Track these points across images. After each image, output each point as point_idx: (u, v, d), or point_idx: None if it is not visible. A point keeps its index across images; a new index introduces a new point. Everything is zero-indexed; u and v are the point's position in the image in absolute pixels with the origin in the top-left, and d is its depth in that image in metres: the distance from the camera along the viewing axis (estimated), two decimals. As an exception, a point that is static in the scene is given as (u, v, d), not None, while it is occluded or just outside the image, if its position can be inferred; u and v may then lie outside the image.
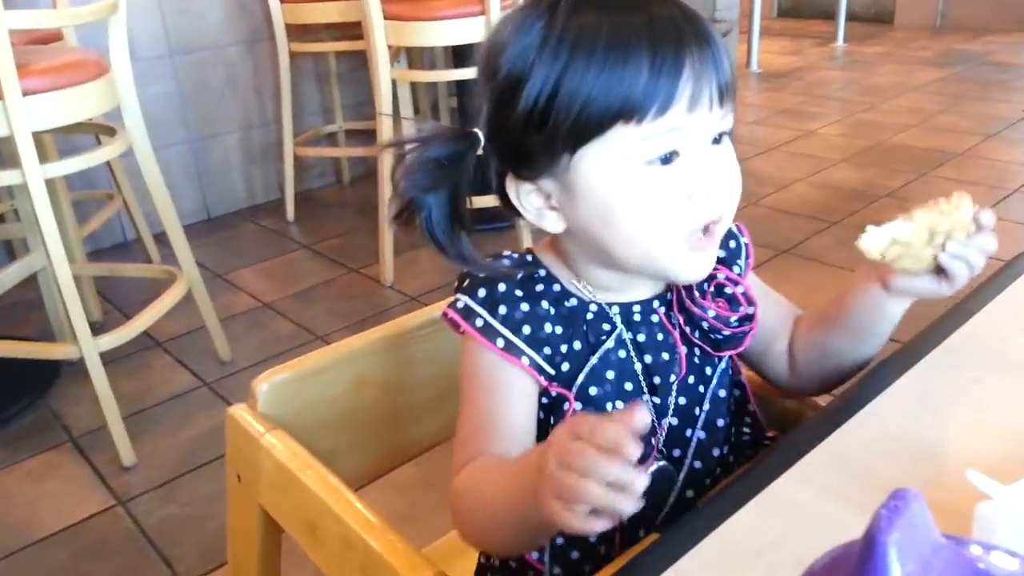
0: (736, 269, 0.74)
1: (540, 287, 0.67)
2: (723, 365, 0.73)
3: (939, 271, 0.63)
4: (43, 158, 1.61)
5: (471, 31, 2.14)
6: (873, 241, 0.61)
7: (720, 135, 0.61)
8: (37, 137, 1.94)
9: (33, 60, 1.58)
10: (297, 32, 2.68)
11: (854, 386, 0.65)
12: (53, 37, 2.08)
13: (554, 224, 0.64)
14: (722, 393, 0.73)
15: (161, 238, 1.95)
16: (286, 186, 2.81)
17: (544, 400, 0.67)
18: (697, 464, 0.70)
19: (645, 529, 0.68)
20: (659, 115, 0.57)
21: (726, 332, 0.70)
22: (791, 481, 0.54)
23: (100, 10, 1.66)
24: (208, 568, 1.42)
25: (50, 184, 2.03)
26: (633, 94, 0.56)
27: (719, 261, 0.71)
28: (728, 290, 0.71)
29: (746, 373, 0.77)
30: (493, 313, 0.64)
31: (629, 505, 0.44)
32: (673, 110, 0.57)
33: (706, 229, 0.61)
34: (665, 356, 0.69)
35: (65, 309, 1.64)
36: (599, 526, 0.45)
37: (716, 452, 0.71)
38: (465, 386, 0.67)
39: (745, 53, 4.69)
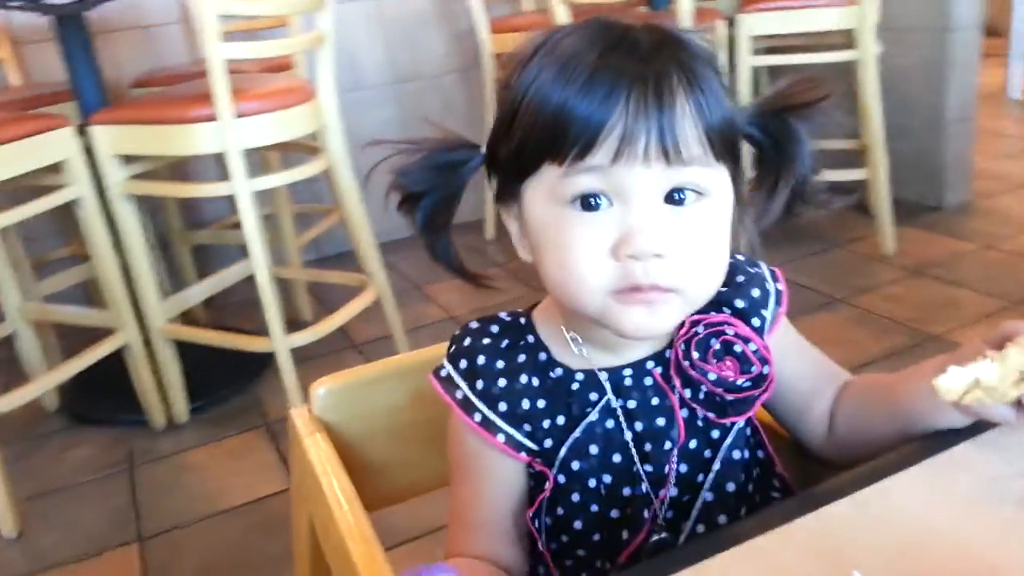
0: (756, 321, 0.67)
1: (523, 357, 0.65)
2: (739, 425, 0.67)
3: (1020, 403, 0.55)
4: (266, 173, 1.83)
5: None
6: (954, 381, 0.54)
7: (681, 194, 0.56)
8: (262, 154, 2.19)
9: (251, 86, 1.80)
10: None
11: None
12: (285, 66, 2.33)
13: (524, 253, 0.64)
14: (736, 455, 0.67)
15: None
16: (487, 206, 2.94)
17: (530, 472, 0.66)
18: (700, 528, 0.66)
19: None
20: (578, 158, 0.54)
21: (731, 397, 0.64)
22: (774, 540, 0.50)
23: (309, 42, 1.85)
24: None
25: (272, 195, 2.30)
26: (559, 133, 0.55)
27: (734, 313, 0.67)
28: (738, 348, 0.65)
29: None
30: (472, 387, 0.65)
31: None
32: (595, 154, 0.54)
33: (636, 289, 0.56)
34: (661, 421, 0.65)
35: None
36: None
37: (723, 518, 0.66)
38: (451, 458, 0.68)
39: (1002, 77, 4.22)
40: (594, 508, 0.65)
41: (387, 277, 2.10)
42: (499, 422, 0.63)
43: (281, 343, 1.82)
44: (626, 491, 0.65)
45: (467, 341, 0.67)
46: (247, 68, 2.20)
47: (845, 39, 2.41)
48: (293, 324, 2.16)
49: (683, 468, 0.65)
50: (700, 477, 0.65)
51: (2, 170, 1.64)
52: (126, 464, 1.86)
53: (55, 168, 1.77)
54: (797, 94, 0.63)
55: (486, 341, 0.66)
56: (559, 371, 0.65)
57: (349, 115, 2.33)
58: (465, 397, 0.65)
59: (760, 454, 0.69)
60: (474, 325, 0.68)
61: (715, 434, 0.66)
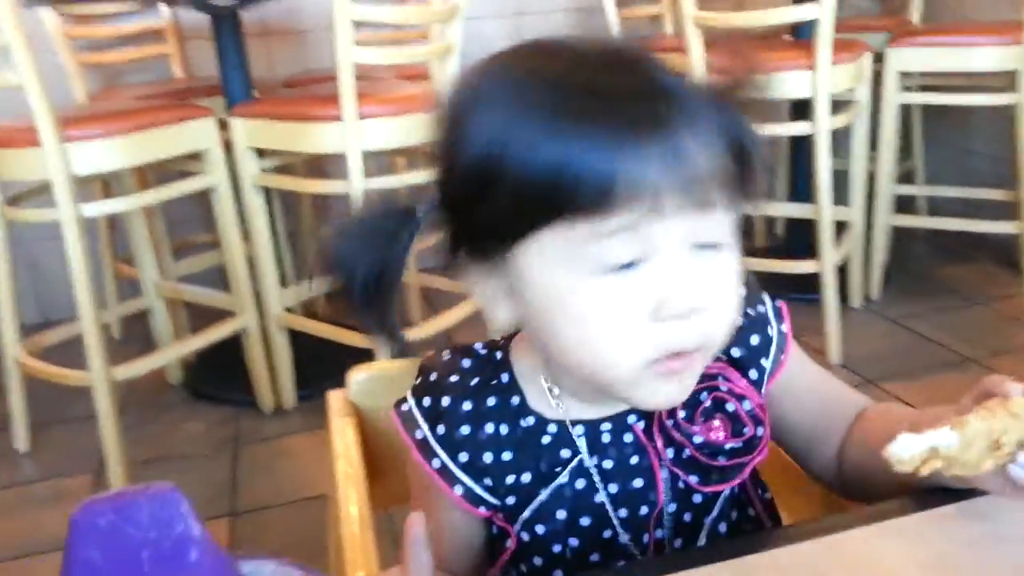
0: (754, 373, 0.61)
1: (493, 400, 0.59)
2: (725, 494, 0.61)
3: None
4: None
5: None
6: (906, 451, 0.48)
7: (706, 242, 0.50)
8: (390, 158, 2.27)
9: (379, 91, 1.87)
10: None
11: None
12: (423, 76, 2.40)
13: (501, 315, 0.56)
14: (723, 527, 0.61)
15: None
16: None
17: (493, 526, 0.62)
18: None
19: None
20: (621, 213, 0.47)
21: (718, 462, 0.58)
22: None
23: (436, 51, 1.91)
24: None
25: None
26: (586, 182, 0.47)
27: (730, 362, 0.61)
28: (730, 406, 0.59)
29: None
30: (432, 429, 0.59)
31: None
32: (619, 211, 0.47)
33: (677, 355, 0.51)
34: (638, 483, 0.59)
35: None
36: None
37: None
38: (411, 489, 0.64)
39: None
40: (558, 574, 0.60)
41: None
42: (458, 473, 0.58)
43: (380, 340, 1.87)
44: (594, 557, 0.60)
45: (433, 376, 0.61)
46: (385, 75, 2.29)
47: (1006, 81, 2.25)
48: (403, 326, 2.22)
49: (659, 534, 0.60)
50: (677, 543, 0.60)
51: (150, 152, 1.78)
52: (232, 442, 1.96)
53: (198, 157, 1.90)
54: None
55: (454, 379, 0.61)
56: (531, 420, 0.59)
57: (479, 127, 2.39)
58: (424, 439, 0.59)
59: (750, 512, 0.64)
60: (445, 356, 0.63)
61: (697, 499, 0.60)
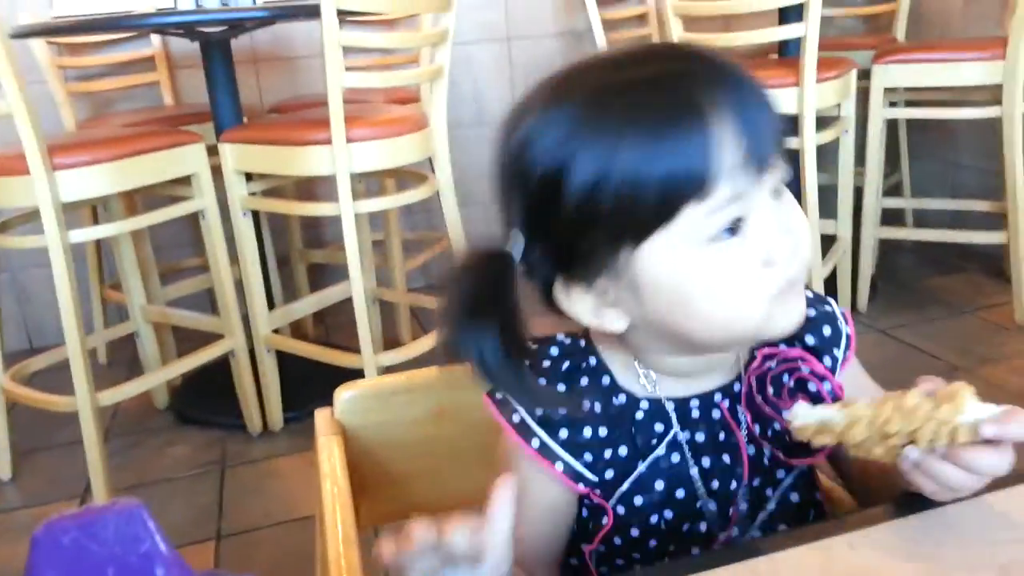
0: (828, 361, 0.65)
1: (586, 380, 0.62)
2: (800, 468, 0.64)
3: None
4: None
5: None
6: (799, 419, 0.53)
7: (778, 188, 0.56)
8: (380, 181, 2.27)
9: (367, 115, 1.87)
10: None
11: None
12: (412, 99, 2.42)
13: (615, 323, 0.58)
14: (794, 497, 0.64)
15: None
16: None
17: (586, 503, 0.63)
18: None
19: None
20: (725, 185, 0.52)
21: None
22: None
23: (424, 74, 1.92)
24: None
25: (384, 221, 2.37)
26: (695, 168, 0.51)
27: (808, 349, 0.64)
28: (812, 386, 0.62)
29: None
30: (531, 411, 0.61)
31: None
32: (739, 176, 0.52)
33: (793, 284, 0.56)
34: (726, 458, 0.62)
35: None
36: None
37: None
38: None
39: None
40: (652, 543, 0.63)
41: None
42: (559, 450, 0.60)
43: (370, 361, 1.87)
44: (685, 527, 0.63)
45: (526, 362, 0.61)
46: (373, 99, 2.30)
47: (991, 95, 2.27)
48: (393, 345, 2.21)
49: (743, 507, 0.63)
50: (761, 515, 0.63)
51: (138, 178, 1.77)
52: (219, 465, 1.94)
53: (185, 181, 1.90)
54: None
55: (546, 363, 0.63)
56: (623, 397, 0.62)
57: (470, 149, 2.40)
58: (523, 421, 0.61)
59: (817, 495, 0.67)
60: (532, 346, 0.64)
61: (780, 474, 0.63)
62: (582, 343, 0.65)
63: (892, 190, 2.86)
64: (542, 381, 0.61)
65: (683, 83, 0.53)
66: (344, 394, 0.80)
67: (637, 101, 0.53)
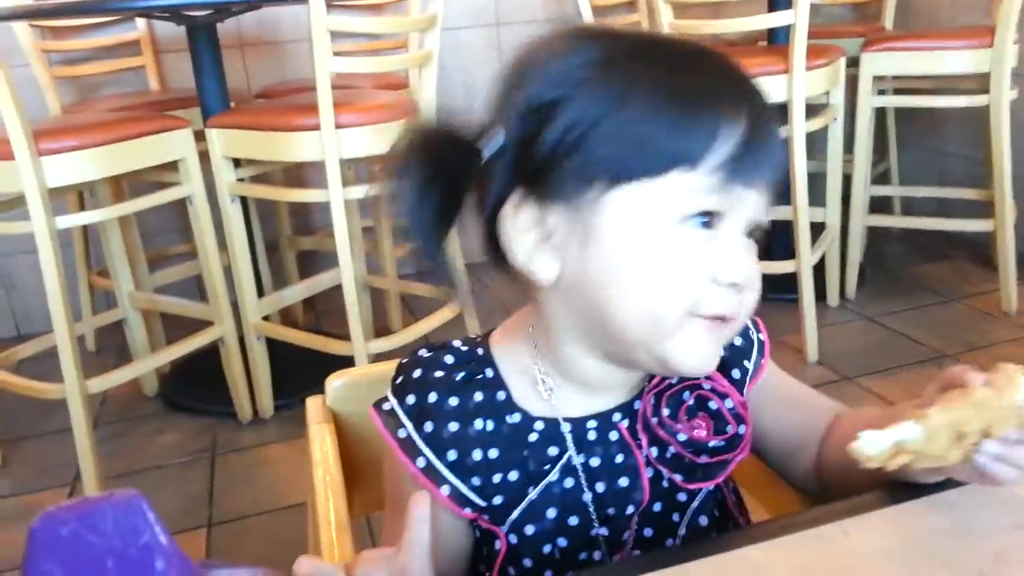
0: (736, 373, 0.63)
1: (480, 396, 0.59)
2: (708, 488, 0.61)
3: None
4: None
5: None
6: (871, 448, 0.48)
7: (754, 227, 0.55)
8: (369, 167, 2.26)
9: (356, 100, 1.86)
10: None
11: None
12: (401, 85, 2.40)
13: (547, 268, 0.55)
14: (704, 521, 0.61)
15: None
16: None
17: (477, 528, 0.61)
18: None
19: None
20: (718, 169, 0.51)
21: (701, 459, 0.59)
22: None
23: (413, 59, 1.90)
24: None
25: (373, 207, 2.36)
26: (698, 139, 0.51)
27: None
28: (713, 404, 0.60)
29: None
30: (418, 427, 0.58)
31: None
32: (731, 172, 0.51)
33: (720, 320, 0.54)
34: (624, 482, 0.59)
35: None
36: None
37: None
38: (387, 494, 0.62)
39: None
40: (548, 574, 0.60)
41: (474, 293, 2.11)
42: (445, 472, 0.57)
43: (361, 348, 1.86)
44: (582, 555, 0.60)
45: (417, 372, 0.60)
46: (361, 84, 2.29)
47: (978, 83, 2.28)
48: (383, 332, 2.21)
49: (648, 532, 0.60)
50: (669, 542, 0.61)
51: (125, 163, 1.76)
52: (209, 453, 1.93)
53: (173, 167, 1.88)
54: None
55: (439, 374, 0.60)
56: (517, 417, 0.59)
57: (457, 135, 2.39)
58: (409, 438, 0.58)
59: (727, 510, 0.65)
60: (425, 354, 0.62)
61: (682, 497, 0.61)
62: (480, 351, 0.62)
63: (880, 178, 2.87)
64: (433, 395, 0.58)
65: (716, 80, 0.54)
66: (335, 382, 0.80)
67: (671, 69, 0.54)
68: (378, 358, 1.92)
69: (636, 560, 0.49)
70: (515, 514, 0.58)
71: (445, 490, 0.57)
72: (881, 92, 2.50)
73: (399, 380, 0.61)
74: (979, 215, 2.38)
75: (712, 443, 0.59)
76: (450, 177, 0.56)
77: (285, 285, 2.38)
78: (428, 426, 0.58)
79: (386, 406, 0.60)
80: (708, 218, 0.52)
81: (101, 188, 2.07)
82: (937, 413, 0.48)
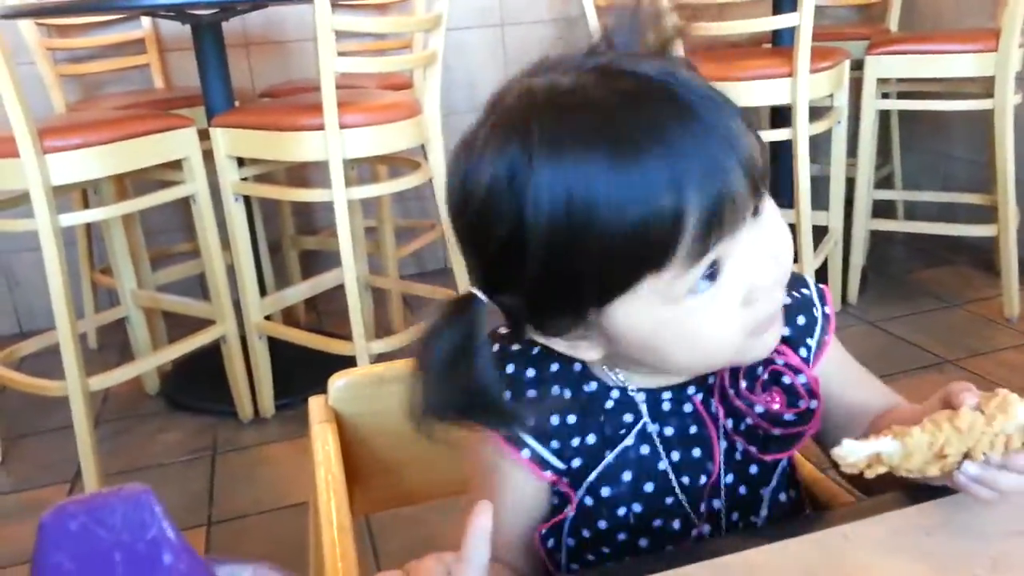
0: (803, 352, 0.63)
1: (556, 366, 0.60)
2: (784, 464, 0.63)
3: None
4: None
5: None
6: (850, 455, 0.50)
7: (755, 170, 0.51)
8: (372, 168, 2.26)
9: (360, 100, 1.86)
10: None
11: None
12: (405, 85, 2.40)
13: (589, 353, 0.56)
14: (783, 497, 0.63)
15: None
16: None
17: (555, 491, 0.62)
18: None
19: None
20: (698, 255, 0.48)
21: (776, 431, 0.60)
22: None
23: (418, 60, 1.91)
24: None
25: (377, 208, 2.37)
26: (657, 243, 0.47)
27: (782, 341, 0.61)
28: (786, 379, 0.61)
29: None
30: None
31: None
32: (710, 241, 0.48)
33: (770, 320, 0.54)
34: (697, 452, 0.61)
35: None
36: None
37: None
38: (469, 467, 0.64)
39: None
40: (621, 536, 0.62)
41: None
42: (526, 436, 0.59)
43: (362, 348, 1.87)
44: (656, 523, 0.62)
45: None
46: (366, 84, 2.29)
47: (983, 87, 2.28)
48: (384, 332, 2.21)
49: (715, 504, 0.61)
50: (734, 516, 0.62)
51: (129, 162, 1.76)
52: (209, 451, 1.94)
53: (176, 165, 1.89)
54: None
55: (516, 347, 0.61)
56: (593, 385, 0.60)
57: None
58: None
59: (793, 494, 0.66)
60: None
61: (753, 470, 0.62)
62: None
63: (883, 182, 2.87)
64: (511, 366, 0.59)
65: (654, 126, 0.48)
66: (338, 382, 0.80)
67: (593, 157, 0.48)
68: (379, 358, 1.92)
69: (637, 562, 0.49)
70: (592, 476, 0.60)
71: (526, 453, 0.59)
72: (885, 95, 2.50)
73: None
74: (982, 220, 2.38)
75: (786, 415, 0.60)
76: (467, 332, 0.54)
77: (287, 285, 2.38)
78: (507, 395, 0.58)
79: None
80: (712, 269, 0.50)
81: (105, 186, 2.07)
82: (918, 433, 0.50)
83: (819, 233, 2.27)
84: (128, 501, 0.29)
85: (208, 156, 1.91)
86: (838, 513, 0.51)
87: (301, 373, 2.16)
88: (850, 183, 2.38)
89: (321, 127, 1.75)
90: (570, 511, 0.61)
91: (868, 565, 0.46)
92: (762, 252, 0.52)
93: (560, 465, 0.60)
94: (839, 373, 0.66)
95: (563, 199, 0.47)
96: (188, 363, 2.21)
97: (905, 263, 2.79)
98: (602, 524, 0.61)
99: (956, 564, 0.46)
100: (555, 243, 0.48)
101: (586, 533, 0.62)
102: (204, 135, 1.91)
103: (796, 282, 0.65)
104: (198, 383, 2.21)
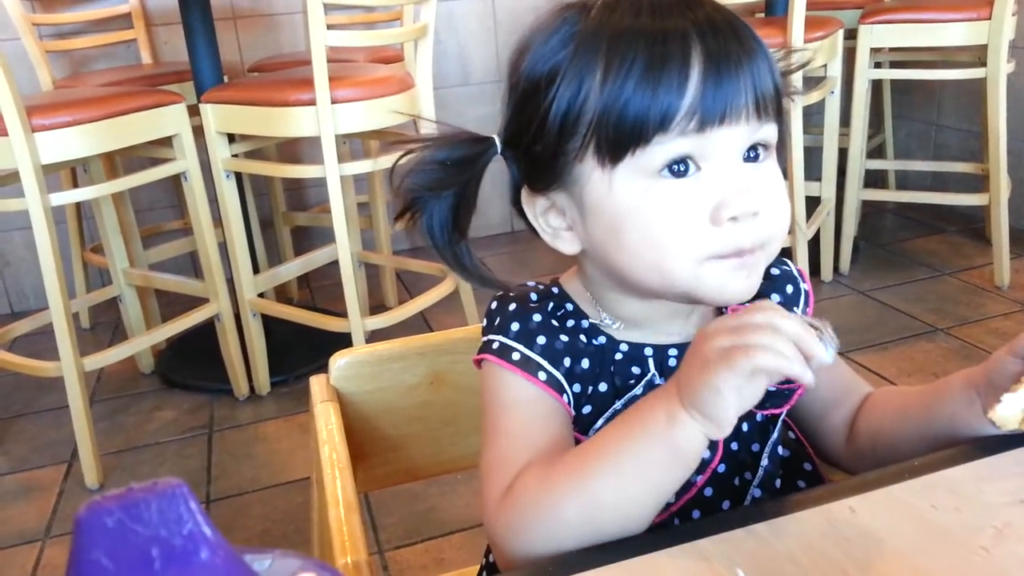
0: None
1: (571, 322, 0.62)
2: (779, 425, 0.65)
3: None
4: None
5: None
6: (1010, 410, 0.52)
7: (755, 151, 0.55)
8: (364, 143, 2.25)
9: (351, 74, 1.84)
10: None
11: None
12: (396, 58, 2.38)
13: (568, 245, 0.60)
14: (781, 451, 0.66)
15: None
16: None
17: None
18: None
19: None
20: (690, 128, 0.51)
21: (770, 387, 0.61)
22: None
23: (409, 33, 1.89)
24: (408, 541, 1.54)
25: (368, 183, 2.35)
26: (672, 105, 0.51)
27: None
28: None
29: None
30: (530, 345, 0.60)
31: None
32: (696, 115, 0.51)
33: (738, 253, 0.54)
34: None
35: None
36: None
37: None
38: (492, 413, 0.62)
39: None
40: None
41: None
42: (539, 359, 0.59)
43: (357, 325, 1.86)
44: None
45: (512, 306, 0.62)
46: (355, 57, 2.27)
47: (975, 55, 2.27)
48: (378, 309, 2.21)
49: (722, 468, 0.63)
50: (722, 468, 0.63)
51: (119, 139, 1.74)
52: (206, 429, 1.94)
53: (166, 142, 1.87)
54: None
55: (532, 303, 0.63)
56: (603, 339, 0.62)
57: (455, 108, 2.37)
58: (524, 357, 0.60)
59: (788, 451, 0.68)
60: (512, 293, 0.64)
61: (744, 427, 0.64)
62: (555, 290, 0.65)
63: (875, 151, 2.87)
64: (537, 317, 0.61)
65: (685, 21, 0.53)
66: (339, 360, 0.79)
67: (632, 27, 0.53)
68: (374, 335, 1.92)
69: (648, 536, 0.50)
70: (600, 422, 0.61)
71: (542, 376, 0.60)
72: (878, 64, 2.50)
73: (497, 320, 0.62)
74: (973, 189, 2.38)
75: None
76: (465, 169, 0.59)
77: (280, 262, 2.37)
78: (541, 339, 0.60)
79: (495, 345, 0.61)
80: (684, 164, 0.53)
81: (94, 164, 2.05)
82: None
83: (812, 204, 2.28)
84: (163, 496, 0.29)
85: (198, 133, 1.89)
86: (844, 486, 0.51)
87: (296, 350, 2.17)
88: (842, 153, 2.38)
89: (313, 102, 1.74)
90: None
91: (874, 538, 0.47)
92: (745, 185, 0.53)
93: (574, 412, 0.61)
94: None
95: (604, 40, 0.53)
96: (182, 341, 2.21)
97: (896, 233, 2.80)
98: None
99: (961, 535, 0.46)
100: (582, 80, 0.54)
101: None
102: (193, 111, 1.89)
103: (776, 260, 0.67)
104: (193, 361, 2.21)
